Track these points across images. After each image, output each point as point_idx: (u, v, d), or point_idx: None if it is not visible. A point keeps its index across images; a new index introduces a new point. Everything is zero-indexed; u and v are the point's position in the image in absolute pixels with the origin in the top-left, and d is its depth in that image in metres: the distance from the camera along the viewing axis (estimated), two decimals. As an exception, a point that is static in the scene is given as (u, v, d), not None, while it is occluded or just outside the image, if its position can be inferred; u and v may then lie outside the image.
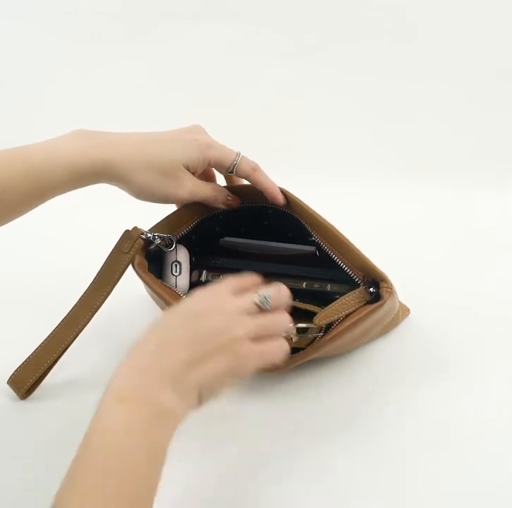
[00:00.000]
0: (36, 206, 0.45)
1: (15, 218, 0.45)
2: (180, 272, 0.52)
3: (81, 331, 0.49)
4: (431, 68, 0.91)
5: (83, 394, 0.51)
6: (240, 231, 0.56)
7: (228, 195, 0.52)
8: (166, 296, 0.48)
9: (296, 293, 0.50)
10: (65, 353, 0.49)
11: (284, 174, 0.83)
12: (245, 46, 0.93)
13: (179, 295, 0.49)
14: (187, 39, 0.93)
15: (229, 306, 0.36)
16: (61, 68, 0.95)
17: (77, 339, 0.49)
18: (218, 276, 0.53)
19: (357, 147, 0.92)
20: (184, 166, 0.47)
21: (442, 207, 0.83)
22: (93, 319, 0.49)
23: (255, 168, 0.50)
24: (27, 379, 0.49)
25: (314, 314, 0.47)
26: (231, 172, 0.49)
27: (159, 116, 0.95)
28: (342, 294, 0.47)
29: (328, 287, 0.51)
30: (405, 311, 0.60)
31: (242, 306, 0.37)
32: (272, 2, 0.91)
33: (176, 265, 0.51)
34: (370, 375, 0.54)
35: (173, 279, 0.52)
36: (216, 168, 0.50)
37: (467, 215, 0.81)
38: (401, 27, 0.90)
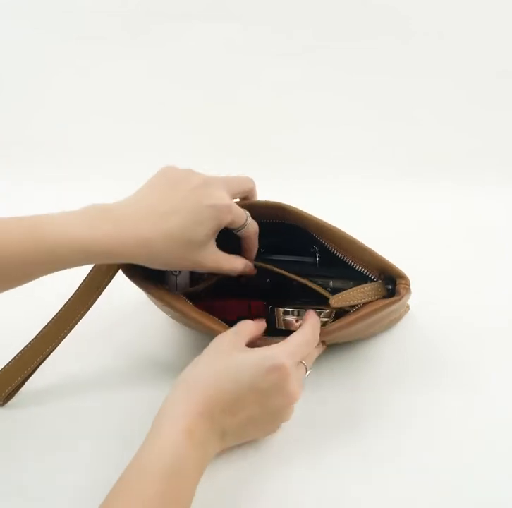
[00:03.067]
0: (43, 275, 0.43)
1: (21, 285, 0.43)
2: (179, 272, 0.52)
3: (63, 339, 0.49)
4: (435, 67, 0.91)
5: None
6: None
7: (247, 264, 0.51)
8: (157, 293, 0.48)
9: (299, 290, 0.50)
10: (46, 360, 0.49)
11: (286, 175, 0.84)
12: (245, 46, 0.93)
13: (176, 294, 0.49)
14: (187, 39, 0.93)
15: (295, 386, 0.42)
16: (60, 68, 0.95)
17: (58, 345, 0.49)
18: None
19: (358, 147, 0.92)
20: (203, 241, 0.45)
21: (444, 207, 0.83)
22: (76, 325, 0.49)
23: (256, 231, 0.50)
24: (6, 386, 0.48)
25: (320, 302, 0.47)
26: (238, 232, 0.49)
27: (158, 116, 0.95)
28: (345, 290, 0.48)
29: (331, 283, 0.51)
30: (405, 308, 0.60)
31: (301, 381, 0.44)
32: (273, 2, 0.91)
33: None
34: (370, 373, 0.54)
35: (173, 279, 0.52)
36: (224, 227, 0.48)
37: (469, 214, 0.81)
38: (400, 26, 0.90)
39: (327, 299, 0.47)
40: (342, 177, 0.88)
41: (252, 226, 0.49)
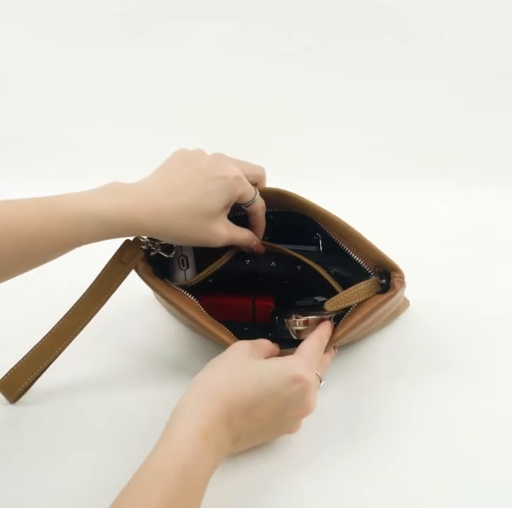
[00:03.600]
0: (63, 254, 0.44)
1: (42, 264, 0.44)
2: (187, 266, 0.52)
3: (73, 339, 0.49)
4: (435, 67, 0.91)
5: (72, 399, 0.51)
6: None
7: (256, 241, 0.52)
8: (176, 301, 0.48)
9: (300, 288, 0.51)
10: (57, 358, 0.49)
11: (286, 175, 0.84)
12: (245, 46, 0.93)
13: (188, 297, 0.49)
14: (187, 39, 0.93)
15: (313, 399, 0.43)
16: (60, 68, 0.95)
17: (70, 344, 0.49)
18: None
19: (358, 147, 0.92)
20: (217, 211, 0.47)
21: (444, 207, 0.83)
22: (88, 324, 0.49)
23: (264, 207, 0.51)
24: (18, 384, 0.49)
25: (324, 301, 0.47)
26: (247, 207, 0.50)
27: (159, 116, 0.95)
28: (347, 277, 0.48)
29: (333, 271, 0.52)
30: (405, 303, 0.61)
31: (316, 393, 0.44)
32: (273, 2, 0.91)
33: (183, 260, 0.52)
34: (370, 373, 0.54)
35: (182, 273, 0.52)
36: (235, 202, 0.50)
37: (469, 214, 0.81)
38: (400, 27, 0.90)
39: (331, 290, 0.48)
40: (342, 177, 0.88)
41: (260, 202, 0.50)
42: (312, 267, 0.50)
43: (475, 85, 0.91)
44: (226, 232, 0.48)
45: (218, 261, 0.51)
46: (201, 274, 0.50)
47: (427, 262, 0.70)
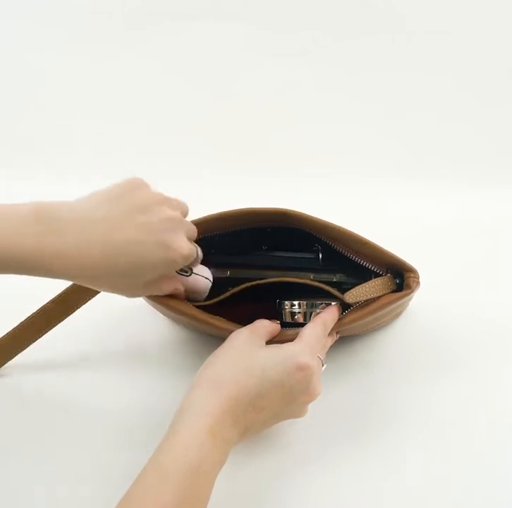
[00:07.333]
0: None
1: None
2: (191, 272, 0.51)
3: (57, 324, 0.50)
4: (436, 66, 0.91)
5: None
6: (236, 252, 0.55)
7: None
8: (172, 304, 0.48)
9: (304, 287, 0.50)
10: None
11: (286, 174, 0.84)
12: (245, 46, 0.93)
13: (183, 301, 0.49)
14: (187, 39, 0.93)
15: (318, 384, 0.44)
16: (60, 68, 0.95)
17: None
18: (226, 271, 0.53)
19: (359, 147, 0.92)
20: (149, 281, 0.43)
21: (445, 207, 0.83)
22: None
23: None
24: None
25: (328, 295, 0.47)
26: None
27: (159, 116, 0.95)
28: (350, 284, 0.48)
29: (335, 278, 0.52)
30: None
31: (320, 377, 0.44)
32: (273, 2, 0.91)
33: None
34: (373, 371, 0.54)
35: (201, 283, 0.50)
36: None
37: (471, 214, 0.81)
38: (400, 26, 0.90)
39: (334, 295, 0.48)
40: (342, 177, 0.88)
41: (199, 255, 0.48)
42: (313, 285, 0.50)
43: (475, 85, 0.91)
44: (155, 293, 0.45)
45: (236, 289, 0.49)
46: (216, 299, 0.49)
47: (426, 261, 0.70)
